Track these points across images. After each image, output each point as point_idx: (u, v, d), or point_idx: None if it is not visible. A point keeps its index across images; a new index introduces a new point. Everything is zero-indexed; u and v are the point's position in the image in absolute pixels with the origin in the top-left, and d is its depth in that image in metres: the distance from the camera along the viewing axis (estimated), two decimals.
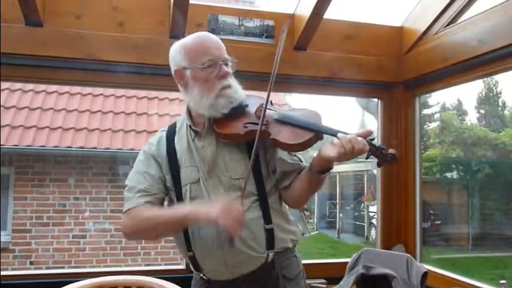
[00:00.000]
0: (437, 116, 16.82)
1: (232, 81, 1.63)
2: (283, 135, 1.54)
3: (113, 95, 7.47)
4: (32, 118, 6.86)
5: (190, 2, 2.55)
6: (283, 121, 1.58)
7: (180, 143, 1.67)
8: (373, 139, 1.45)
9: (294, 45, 2.89)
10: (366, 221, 13.48)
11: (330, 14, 2.78)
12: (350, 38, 3.05)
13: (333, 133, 1.48)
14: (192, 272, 2.67)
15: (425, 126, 14.55)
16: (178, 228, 1.61)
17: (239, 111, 1.62)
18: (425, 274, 2.34)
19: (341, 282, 2.48)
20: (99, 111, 7.22)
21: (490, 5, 2.48)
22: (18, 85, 7.03)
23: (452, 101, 17.31)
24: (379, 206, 3.20)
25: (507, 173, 12.23)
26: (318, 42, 2.92)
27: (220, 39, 2.82)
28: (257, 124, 1.54)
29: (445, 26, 2.81)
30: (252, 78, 2.81)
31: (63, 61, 2.58)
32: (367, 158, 1.46)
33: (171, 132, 1.73)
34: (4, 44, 2.46)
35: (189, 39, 1.66)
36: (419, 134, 3.08)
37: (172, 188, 1.66)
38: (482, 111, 16.81)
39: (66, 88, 7.24)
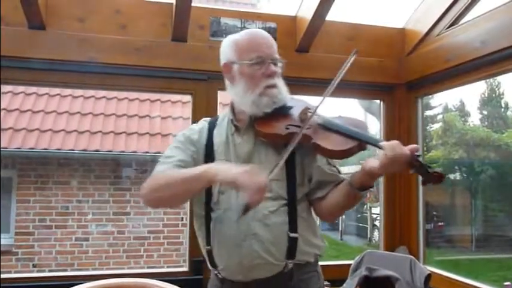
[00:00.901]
0: (439, 117, 16.78)
1: (279, 81, 1.60)
2: (326, 141, 1.50)
3: (116, 97, 7.48)
4: (35, 121, 6.87)
5: (193, 4, 2.55)
6: (327, 127, 1.53)
7: (219, 136, 1.65)
8: (420, 155, 1.38)
9: (296, 47, 2.90)
10: (368, 223, 13.46)
11: (332, 16, 2.78)
12: (352, 40, 3.05)
13: (376, 143, 1.43)
14: (194, 275, 2.68)
15: (427, 128, 14.51)
16: (196, 186, 1.46)
17: (282, 112, 1.59)
18: (429, 276, 2.34)
19: (344, 284, 2.48)
20: (102, 113, 7.23)
21: (492, 6, 2.48)
22: (21, 88, 7.05)
23: (454, 102, 17.27)
24: (382, 207, 3.19)
25: (510, 174, 12.20)
26: (319, 44, 2.92)
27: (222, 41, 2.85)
28: (299, 127, 1.51)
29: (447, 28, 2.81)
30: None
31: (66, 64, 2.59)
32: (411, 174, 1.42)
33: (213, 125, 1.70)
34: (7, 47, 2.47)
35: (241, 34, 1.64)
36: (422, 136, 3.07)
37: None
38: (485, 113, 16.76)
39: (68, 91, 7.26)
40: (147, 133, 7.13)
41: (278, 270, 1.53)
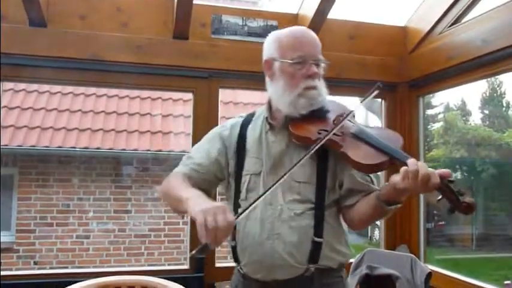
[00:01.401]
0: (440, 116, 16.75)
1: (319, 83, 1.56)
2: (355, 151, 1.43)
3: (117, 95, 7.48)
4: (36, 119, 6.87)
5: (194, 2, 2.56)
6: (360, 137, 1.47)
7: (253, 133, 1.64)
8: (453, 181, 1.29)
9: None
10: None
11: (334, 14, 2.78)
12: (354, 38, 3.05)
13: (404, 159, 1.34)
14: (195, 273, 2.69)
15: (428, 127, 14.49)
16: (181, 208, 1.45)
17: (318, 115, 1.54)
18: (430, 274, 2.34)
19: None
20: (103, 111, 7.23)
21: (494, 4, 2.47)
22: (22, 85, 7.05)
23: (456, 102, 17.22)
24: None
25: (511, 174, 12.19)
26: (321, 43, 2.91)
27: (224, 39, 2.85)
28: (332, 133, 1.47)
29: (449, 26, 2.81)
30: (255, 78, 2.82)
31: (67, 61, 2.59)
32: (438, 201, 1.30)
33: (247, 120, 1.69)
34: (8, 44, 2.47)
35: (285, 31, 1.60)
36: (424, 134, 3.07)
37: (233, 174, 1.63)
38: (486, 112, 16.72)
39: (70, 89, 7.25)
40: (148, 131, 7.12)
41: (299, 273, 1.50)
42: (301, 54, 1.52)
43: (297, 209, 1.50)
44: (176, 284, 2.24)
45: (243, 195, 1.57)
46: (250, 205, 1.39)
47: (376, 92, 1.51)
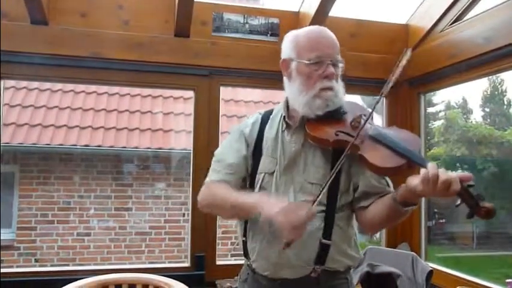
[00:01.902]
0: (441, 114, 16.73)
1: (336, 84, 1.55)
2: (372, 154, 1.41)
3: (118, 93, 7.46)
4: (37, 116, 6.86)
5: (195, 0, 2.55)
6: (377, 139, 1.44)
7: (270, 131, 1.64)
8: (472, 185, 1.26)
9: None
10: None
11: (335, 11, 2.77)
12: (355, 36, 3.04)
13: (423, 163, 1.31)
14: (196, 270, 2.69)
15: (429, 125, 14.48)
16: (242, 215, 1.56)
17: (335, 116, 1.53)
18: (431, 272, 2.33)
19: None
20: (104, 109, 7.22)
21: (496, 2, 2.47)
22: (23, 83, 7.03)
23: (456, 100, 17.20)
24: None
25: None
26: None
27: (225, 37, 2.85)
28: (349, 135, 1.45)
29: (451, 24, 2.80)
30: (257, 76, 2.83)
31: (68, 59, 2.59)
32: (457, 206, 1.27)
33: (266, 118, 1.69)
34: (9, 42, 2.47)
35: (303, 31, 1.60)
36: (425, 132, 3.07)
37: (250, 172, 1.65)
38: (488, 110, 16.71)
39: (71, 86, 7.24)
40: (149, 129, 7.11)
41: (305, 274, 1.52)
42: (318, 54, 1.51)
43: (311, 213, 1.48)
44: (177, 282, 2.24)
45: (256, 190, 1.58)
46: (320, 192, 1.40)
47: (407, 57, 1.48)
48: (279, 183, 1.54)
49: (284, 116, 1.62)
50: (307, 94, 1.52)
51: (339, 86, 1.56)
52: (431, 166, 1.28)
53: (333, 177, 1.41)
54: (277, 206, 1.35)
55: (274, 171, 1.57)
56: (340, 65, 1.57)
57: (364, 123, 1.44)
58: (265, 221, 1.44)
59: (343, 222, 1.55)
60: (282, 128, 1.62)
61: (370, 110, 1.55)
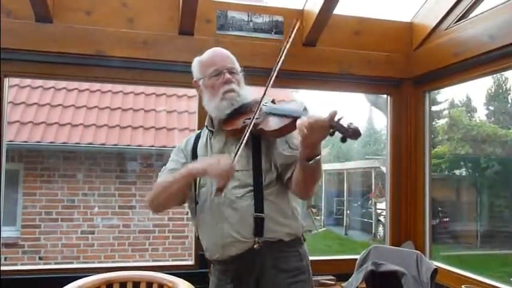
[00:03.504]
0: (445, 112, 16.70)
1: (236, 86, 1.83)
2: (266, 124, 1.70)
3: (121, 91, 7.48)
4: (41, 114, 6.88)
5: None
6: (269, 112, 1.73)
7: (201, 140, 1.94)
8: (340, 118, 1.43)
9: (303, 41, 2.88)
10: (373, 218, 13.43)
11: (339, 9, 2.77)
12: (359, 34, 3.04)
13: (300, 115, 1.52)
14: (200, 268, 2.69)
15: (433, 123, 14.45)
16: (183, 181, 1.77)
17: (242, 111, 1.80)
18: (435, 271, 2.33)
19: (350, 279, 2.48)
20: (108, 107, 7.23)
21: (502, 0, 2.45)
22: (27, 81, 7.06)
23: (460, 98, 17.20)
24: (388, 202, 3.19)
25: None
26: (327, 38, 2.91)
27: (229, 35, 2.85)
28: (250, 118, 1.71)
29: (456, 22, 2.79)
30: (261, 74, 2.81)
31: (72, 57, 2.59)
32: (331, 135, 1.44)
33: (200, 133, 2.00)
34: (14, 40, 2.48)
35: (203, 55, 1.92)
36: (429, 131, 3.06)
37: None
38: (492, 108, 16.67)
39: (75, 84, 7.26)
40: (153, 127, 7.13)
41: (248, 247, 1.73)
42: (215, 67, 1.83)
43: (238, 193, 1.74)
44: (182, 280, 2.25)
45: (197, 192, 1.85)
46: (240, 145, 1.67)
47: (295, 29, 1.75)
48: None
49: (206, 125, 1.93)
50: (215, 99, 1.82)
51: (241, 88, 1.85)
52: (302, 117, 1.48)
53: (242, 144, 1.67)
54: (204, 161, 1.73)
55: None
56: (238, 72, 1.87)
57: (259, 104, 1.72)
58: (202, 175, 1.75)
59: (272, 196, 1.77)
60: (209, 136, 1.91)
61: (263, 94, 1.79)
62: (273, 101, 1.83)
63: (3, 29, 2.42)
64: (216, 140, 1.87)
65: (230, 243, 1.74)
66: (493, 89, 16.53)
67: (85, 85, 7.31)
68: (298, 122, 1.46)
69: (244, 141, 1.68)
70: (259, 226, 1.72)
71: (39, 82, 7.14)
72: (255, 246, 1.72)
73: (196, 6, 2.57)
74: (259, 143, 1.78)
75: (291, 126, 1.61)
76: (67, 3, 2.61)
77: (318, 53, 2.90)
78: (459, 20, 2.77)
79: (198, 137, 1.98)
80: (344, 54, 2.95)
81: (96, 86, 7.34)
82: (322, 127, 1.42)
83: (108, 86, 7.39)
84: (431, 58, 2.88)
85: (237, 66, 1.89)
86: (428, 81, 2.98)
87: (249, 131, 1.68)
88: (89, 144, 6.73)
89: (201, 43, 2.72)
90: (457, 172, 12.97)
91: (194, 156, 1.91)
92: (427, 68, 2.91)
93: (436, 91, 3.86)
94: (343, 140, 1.42)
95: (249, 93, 1.88)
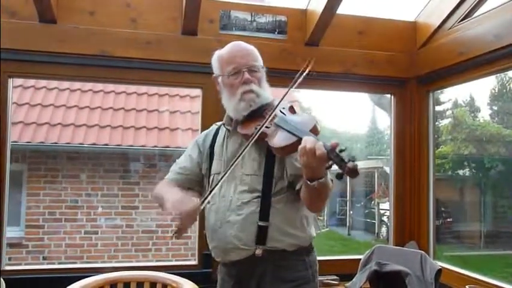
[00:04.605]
0: (449, 112, 16.65)
1: (256, 86, 1.75)
2: (274, 138, 1.61)
3: (124, 91, 7.49)
4: (45, 115, 6.90)
5: None
6: (279, 125, 1.64)
7: (219, 138, 1.90)
8: (342, 150, 1.35)
9: (306, 41, 2.88)
10: (376, 219, 13.40)
11: (342, 9, 2.76)
12: (363, 34, 3.03)
13: (302, 135, 1.46)
14: (203, 268, 2.69)
15: (437, 123, 14.41)
16: (165, 208, 1.75)
17: (259, 114, 1.73)
18: (440, 271, 2.32)
19: (354, 279, 2.47)
20: (111, 108, 7.24)
21: None
22: (31, 82, 7.07)
23: (464, 98, 17.12)
24: (391, 203, 3.18)
25: None
26: (330, 38, 2.90)
27: (232, 35, 2.84)
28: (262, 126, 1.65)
29: (460, 21, 2.78)
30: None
31: (76, 57, 2.60)
32: (328, 168, 1.38)
33: (219, 128, 1.95)
34: (18, 40, 2.48)
35: (223, 49, 1.83)
36: (433, 130, 3.05)
37: (206, 175, 1.90)
38: (495, 108, 16.60)
39: (78, 85, 7.27)
40: (156, 127, 7.13)
41: (249, 254, 1.69)
42: (234, 66, 1.75)
43: (244, 198, 1.70)
44: (185, 280, 2.25)
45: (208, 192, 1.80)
46: (208, 193, 1.67)
47: (307, 71, 1.70)
48: (224, 180, 1.72)
49: (224, 124, 1.88)
50: (234, 100, 1.75)
51: (261, 88, 1.77)
52: (304, 140, 1.43)
53: (239, 158, 1.64)
54: (172, 199, 1.66)
55: (220, 172, 1.79)
56: (259, 69, 1.78)
57: (271, 114, 1.66)
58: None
59: (281, 204, 1.71)
60: (226, 134, 1.87)
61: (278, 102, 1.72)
62: (290, 108, 1.74)
63: (7, 30, 2.42)
64: (231, 141, 1.83)
65: (231, 249, 1.71)
66: (496, 89, 16.46)
67: (88, 86, 7.32)
68: (301, 145, 1.41)
69: (247, 149, 1.64)
70: (262, 234, 1.68)
71: (42, 83, 7.16)
72: (256, 254, 1.68)
73: (199, 7, 2.57)
74: None
75: (295, 146, 1.49)
76: (71, 3, 2.61)
77: (321, 52, 2.89)
78: (463, 19, 2.76)
79: (216, 134, 1.93)
80: (347, 54, 2.94)
81: (99, 86, 7.35)
82: (321, 157, 1.36)
83: (111, 87, 7.40)
84: (435, 58, 2.88)
85: (259, 63, 1.80)
86: (432, 81, 2.98)
87: (252, 142, 1.64)
88: (92, 144, 6.75)
89: (204, 43, 2.73)
90: (461, 172, 12.93)
91: (211, 153, 1.88)
92: (431, 68, 2.90)
93: (440, 91, 3.84)
94: (339, 176, 1.34)
95: (270, 93, 1.80)
